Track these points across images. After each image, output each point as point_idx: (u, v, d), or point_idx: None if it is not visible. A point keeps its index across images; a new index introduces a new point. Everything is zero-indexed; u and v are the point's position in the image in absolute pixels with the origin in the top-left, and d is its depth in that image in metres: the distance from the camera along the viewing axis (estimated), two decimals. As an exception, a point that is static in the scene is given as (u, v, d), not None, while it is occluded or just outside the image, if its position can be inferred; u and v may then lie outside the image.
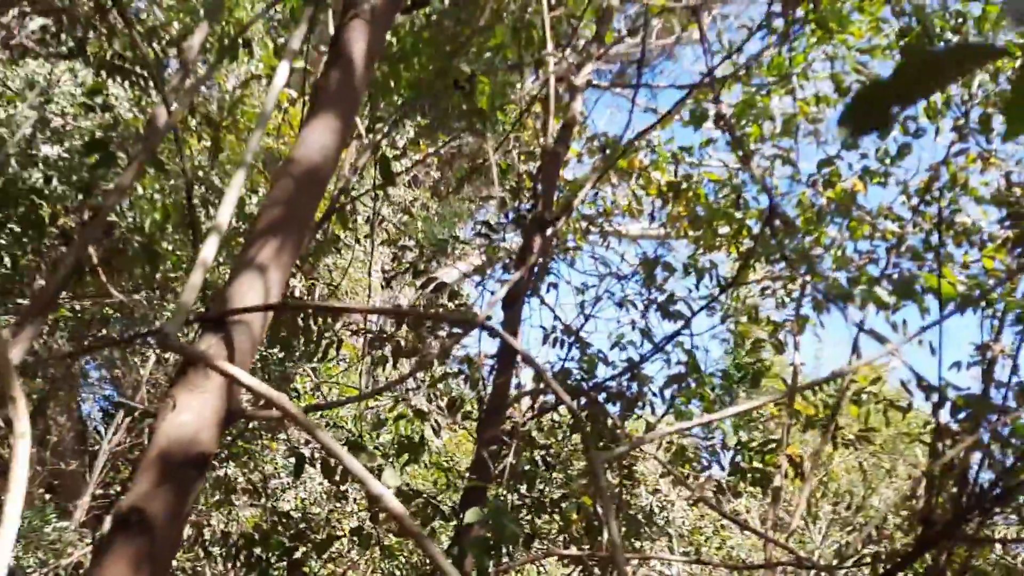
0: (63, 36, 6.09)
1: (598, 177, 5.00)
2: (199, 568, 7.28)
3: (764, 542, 7.97)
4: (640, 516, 7.36)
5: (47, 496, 10.56)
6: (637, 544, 7.16)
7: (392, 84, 5.03)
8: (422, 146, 6.26)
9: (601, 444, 5.19)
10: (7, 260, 6.14)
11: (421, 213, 10.58)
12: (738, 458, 6.01)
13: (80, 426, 13.31)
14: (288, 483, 9.06)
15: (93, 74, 6.07)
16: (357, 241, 7.58)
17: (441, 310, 5.91)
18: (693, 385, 5.70)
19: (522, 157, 5.77)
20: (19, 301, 7.43)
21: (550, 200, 5.17)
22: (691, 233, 6.73)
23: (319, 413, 7.12)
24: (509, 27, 5.31)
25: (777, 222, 4.75)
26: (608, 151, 5.64)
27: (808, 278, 6.47)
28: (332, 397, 8.43)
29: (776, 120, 6.59)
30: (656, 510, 8.47)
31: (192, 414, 2.51)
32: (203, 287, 2.66)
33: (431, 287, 6.10)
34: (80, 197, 5.11)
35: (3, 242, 5.41)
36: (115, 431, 9.88)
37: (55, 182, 5.83)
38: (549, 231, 5.14)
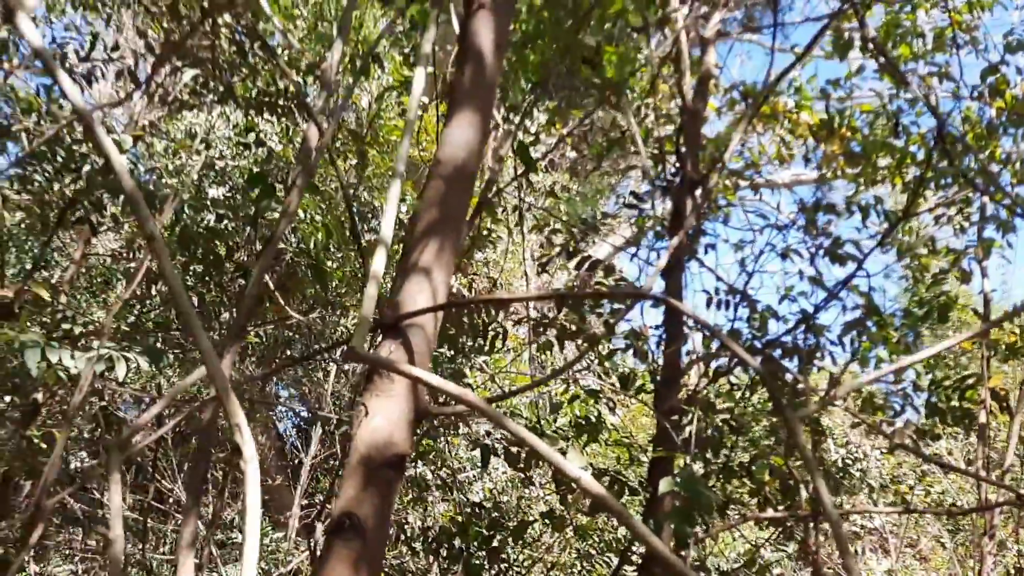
0: (211, 84, 6.50)
1: (744, 129, 4.81)
2: (404, 563, 7.61)
3: (976, 483, 7.48)
4: (833, 470, 7.08)
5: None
6: (835, 499, 6.89)
7: (519, 70, 5.05)
8: (557, 126, 6.25)
9: (786, 401, 5.02)
10: (194, 299, 6.66)
11: (564, 194, 10.59)
12: (933, 398, 5.65)
13: (279, 443, 14.24)
14: (474, 475, 9.34)
15: (243, 114, 6.45)
16: (509, 232, 7.68)
17: (599, 287, 5.88)
18: (874, 329, 5.40)
19: (660, 121, 5.64)
20: (210, 335, 8.01)
21: (696, 160, 5.04)
22: (849, 171, 6.39)
23: (499, 404, 7.28)
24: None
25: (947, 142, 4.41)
26: (749, 100, 5.43)
27: (987, 198, 6.00)
28: (504, 387, 8.59)
29: (926, 36, 6.14)
30: (849, 462, 8.13)
31: (384, 418, 2.62)
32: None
33: (586, 266, 6.09)
34: (249, 230, 5.44)
35: (189, 282, 5.84)
36: (312, 444, 10.50)
37: (224, 220, 6.24)
38: (699, 192, 5.01)
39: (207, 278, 5.78)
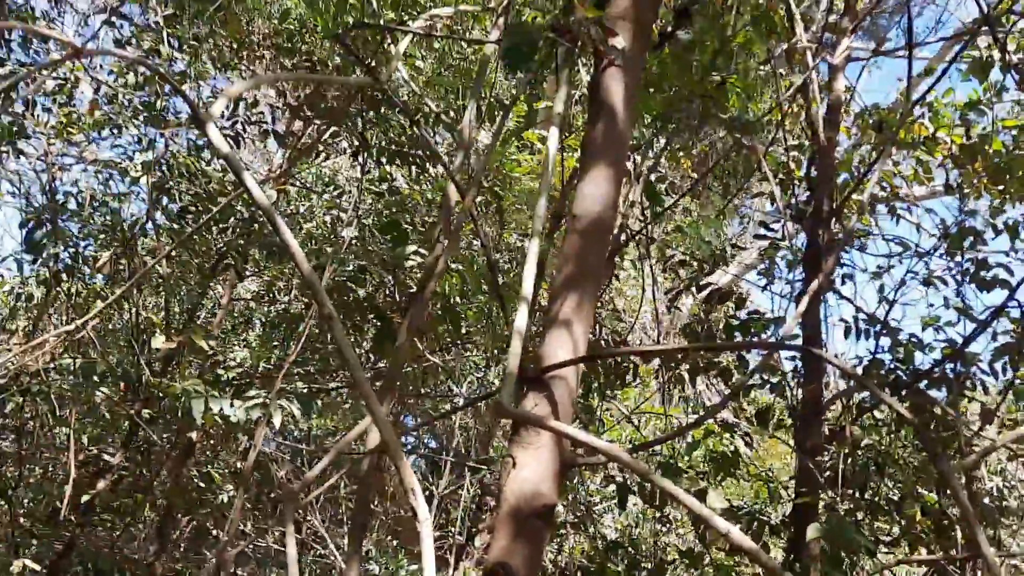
0: (344, 135, 6.85)
1: (878, 159, 4.69)
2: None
3: None
4: (987, 500, 6.66)
5: (394, 542, 11.62)
6: (990, 532, 6.49)
7: (642, 110, 5.08)
8: (682, 162, 6.24)
9: (935, 434, 4.81)
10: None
11: (686, 221, 10.49)
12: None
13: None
14: (606, 508, 9.30)
15: (374, 163, 6.76)
16: (633, 264, 7.68)
17: (732, 319, 5.80)
18: (1031, 356, 5.11)
19: (790, 151, 5.56)
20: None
21: (829, 188, 4.93)
22: (993, 189, 6.09)
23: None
24: (748, 20, 5.17)
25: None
26: (883, 125, 5.28)
27: None
28: (637, 422, 8.54)
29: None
30: (1006, 490, 7.62)
31: (531, 470, 2.70)
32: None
33: (715, 299, 6.03)
34: (388, 277, 5.68)
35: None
36: (443, 477, 10.71)
37: (349, 264, 6.53)
38: (833, 221, 4.90)
39: (345, 322, 6.06)
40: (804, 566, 4.13)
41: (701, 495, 5.00)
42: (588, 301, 2.89)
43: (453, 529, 10.02)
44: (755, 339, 5.73)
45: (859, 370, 5.36)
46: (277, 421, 4.11)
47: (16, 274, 6.89)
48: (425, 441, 13.27)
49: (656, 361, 7.80)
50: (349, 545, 3.00)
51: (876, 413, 5.18)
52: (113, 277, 6.07)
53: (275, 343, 8.25)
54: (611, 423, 8.50)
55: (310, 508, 9.07)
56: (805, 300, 3.96)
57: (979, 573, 4.37)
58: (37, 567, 5.06)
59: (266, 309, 8.81)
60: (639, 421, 8.94)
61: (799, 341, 4.78)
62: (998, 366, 5.33)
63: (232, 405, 4.33)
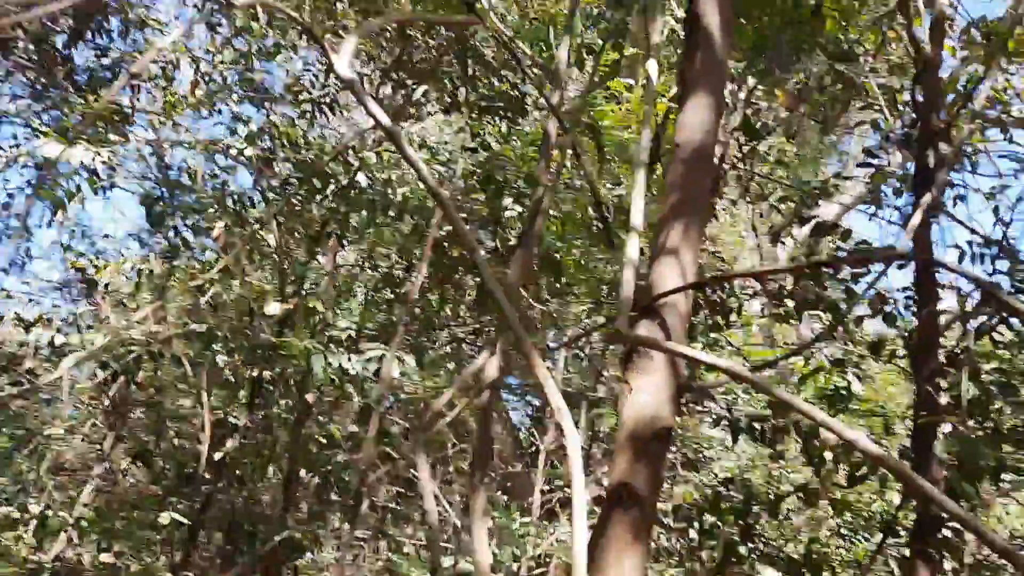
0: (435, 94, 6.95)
1: (987, 73, 4.48)
2: (655, 538, 7.64)
3: None
4: None
5: (504, 497, 11.88)
6: None
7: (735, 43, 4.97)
8: (778, 94, 6.09)
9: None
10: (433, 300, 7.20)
11: (787, 155, 10.21)
12: None
13: (514, 432, 14.85)
14: (716, 455, 9.27)
15: (466, 120, 6.84)
16: (733, 203, 7.57)
17: (836, 250, 5.68)
18: None
19: (892, 72, 5.35)
20: (451, 327, 8.59)
21: (936, 108, 4.74)
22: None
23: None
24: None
25: None
26: (991, 37, 5.03)
27: None
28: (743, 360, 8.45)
29: None
30: None
31: (648, 394, 2.76)
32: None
33: (821, 231, 5.89)
34: (489, 228, 5.78)
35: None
36: (547, 432, 10.86)
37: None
38: (942, 143, 4.72)
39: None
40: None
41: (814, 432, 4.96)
42: (695, 228, 2.91)
43: (560, 482, 10.16)
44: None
45: (975, 297, 5.18)
46: (396, 372, 4.27)
47: (137, 253, 7.31)
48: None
49: (756, 306, 7.70)
50: (474, 475, 3.12)
51: (996, 336, 5.00)
52: (226, 248, 6.37)
53: (379, 309, 8.50)
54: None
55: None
56: (916, 217, 3.85)
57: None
58: (183, 519, 5.43)
59: (369, 274, 9.07)
60: (745, 364, 8.84)
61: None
62: None
63: (350, 360, 4.52)
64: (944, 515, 4.43)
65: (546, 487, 11.19)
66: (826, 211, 10.38)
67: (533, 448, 11.99)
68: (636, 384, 2.77)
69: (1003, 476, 4.95)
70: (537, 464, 11.23)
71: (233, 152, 6.36)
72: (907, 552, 4.72)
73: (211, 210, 6.21)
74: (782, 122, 10.72)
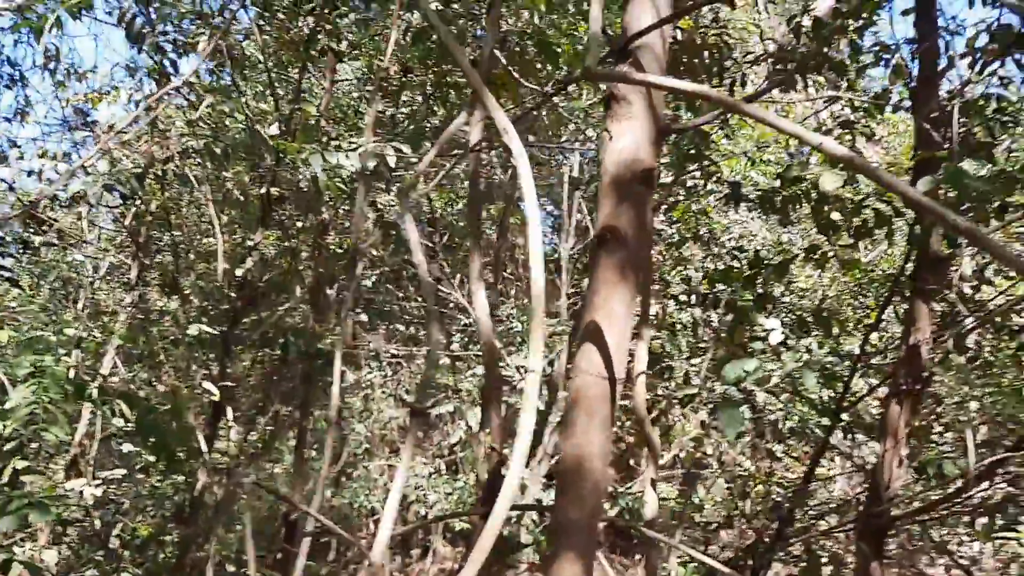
0: None
1: None
2: (665, 307, 7.85)
3: None
4: None
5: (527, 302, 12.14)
6: None
7: None
8: None
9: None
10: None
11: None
12: None
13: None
14: (729, 238, 9.38)
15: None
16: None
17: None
18: None
19: None
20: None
21: None
22: None
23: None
24: None
25: None
26: None
27: None
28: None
29: None
30: None
31: (627, 139, 2.75)
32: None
33: None
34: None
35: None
36: (568, 238, 10.97)
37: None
38: None
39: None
40: (924, 229, 4.11)
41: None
42: (668, -36, 2.79)
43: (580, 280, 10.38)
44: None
45: (983, 38, 5.00)
46: (392, 162, 4.29)
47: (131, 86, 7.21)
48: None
49: (763, 68, 7.48)
50: (471, 239, 3.19)
51: (1001, 73, 4.86)
52: (217, 64, 6.26)
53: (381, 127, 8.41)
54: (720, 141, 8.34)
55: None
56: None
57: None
58: (212, 330, 5.68)
59: (367, 96, 8.91)
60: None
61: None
62: None
63: (348, 157, 4.53)
64: (940, 257, 4.50)
65: (572, 290, 11.46)
66: None
67: (556, 256, 12.18)
68: (616, 130, 2.77)
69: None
70: (560, 270, 11.47)
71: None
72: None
73: (194, 26, 6.05)
74: None
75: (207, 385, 5.25)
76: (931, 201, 2.08)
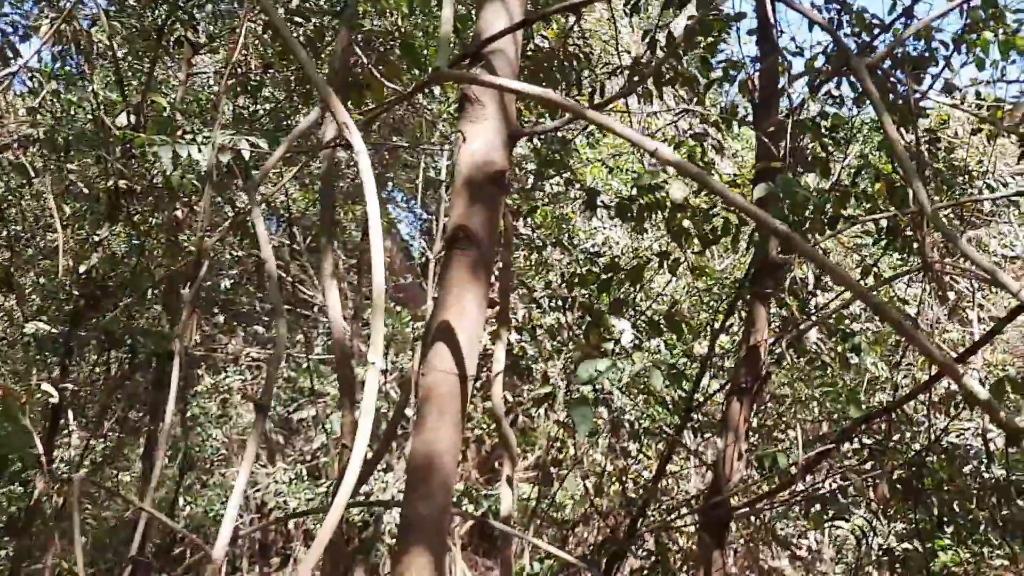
0: None
1: None
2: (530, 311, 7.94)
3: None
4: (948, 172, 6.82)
5: (397, 308, 12.08)
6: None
7: None
8: None
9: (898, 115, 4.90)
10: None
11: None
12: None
13: (404, 244, 15.07)
14: (591, 245, 9.63)
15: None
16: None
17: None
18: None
19: None
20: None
21: None
22: None
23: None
24: None
25: None
26: None
27: None
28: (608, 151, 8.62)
29: None
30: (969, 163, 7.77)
31: (480, 141, 2.81)
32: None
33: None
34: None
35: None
36: (436, 243, 10.96)
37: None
38: None
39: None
40: (763, 236, 4.38)
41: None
42: (522, -28, 2.86)
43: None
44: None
45: (820, 60, 5.38)
46: (245, 155, 4.18)
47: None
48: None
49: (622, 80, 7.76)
50: (322, 238, 3.16)
51: (835, 92, 5.24)
52: (62, 51, 5.93)
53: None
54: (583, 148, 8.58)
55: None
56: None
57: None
58: (49, 328, 5.36)
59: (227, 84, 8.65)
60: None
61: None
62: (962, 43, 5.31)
63: (200, 151, 4.38)
64: (777, 263, 4.81)
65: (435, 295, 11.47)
66: None
67: (423, 259, 12.19)
68: (469, 132, 2.82)
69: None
70: (428, 274, 11.47)
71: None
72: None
73: (36, 8, 5.72)
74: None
75: (46, 387, 4.95)
76: (753, 207, 2.23)
